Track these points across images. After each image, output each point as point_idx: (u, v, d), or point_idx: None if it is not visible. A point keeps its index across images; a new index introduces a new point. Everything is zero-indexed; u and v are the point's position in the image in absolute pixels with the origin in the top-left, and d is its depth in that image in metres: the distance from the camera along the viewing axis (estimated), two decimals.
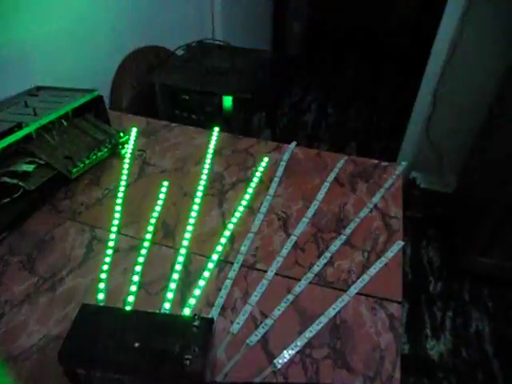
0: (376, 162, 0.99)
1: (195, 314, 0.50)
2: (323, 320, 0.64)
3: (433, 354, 1.50)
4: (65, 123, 0.93)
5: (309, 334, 0.62)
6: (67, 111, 0.93)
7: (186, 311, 0.64)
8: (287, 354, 0.59)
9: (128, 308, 0.64)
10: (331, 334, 0.62)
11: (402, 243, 0.78)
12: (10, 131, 0.78)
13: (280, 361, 0.59)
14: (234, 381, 0.55)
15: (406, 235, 1.98)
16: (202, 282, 0.69)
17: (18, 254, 0.73)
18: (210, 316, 0.63)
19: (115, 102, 1.27)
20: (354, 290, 0.69)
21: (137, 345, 0.46)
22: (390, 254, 0.75)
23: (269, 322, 0.63)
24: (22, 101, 0.92)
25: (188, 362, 0.45)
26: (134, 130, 1.05)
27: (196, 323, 0.49)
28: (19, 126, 0.80)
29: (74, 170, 0.85)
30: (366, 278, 0.71)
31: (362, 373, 0.58)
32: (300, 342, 0.61)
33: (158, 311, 0.63)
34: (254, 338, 0.61)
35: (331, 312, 0.65)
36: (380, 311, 0.66)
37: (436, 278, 1.76)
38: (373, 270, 0.72)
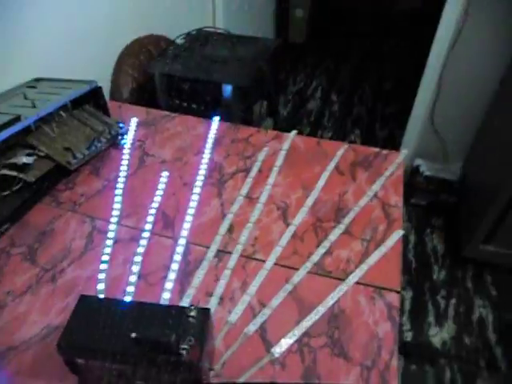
0: (377, 150, 0.98)
1: (191, 305, 0.50)
2: (321, 309, 0.64)
3: (436, 341, 1.50)
4: (64, 115, 0.93)
5: (307, 323, 0.62)
6: (66, 103, 0.93)
7: (185, 301, 0.65)
8: (285, 343, 0.60)
9: (128, 298, 0.64)
10: (329, 323, 0.63)
11: (401, 232, 0.77)
12: (9, 124, 0.78)
13: (278, 350, 0.59)
14: (232, 380, 0.55)
15: (410, 223, 1.97)
16: (201, 272, 0.69)
17: (20, 246, 0.73)
18: (207, 306, 0.64)
19: (115, 94, 1.27)
20: (352, 279, 0.69)
21: (134, 335, 0.46)
22: (389, 243, 0.75)
23: (267, 311, 0.64)
24: (21, 93, 0.92)
25: (184, 351, 0.45)
26: (134, 120, 1.05)
27: (192, 313, 0.50)
28: (18, 119, 0.80)
29: (74, 161, 0.85)
30: (364, 267, 0.71)
31: (360, 362, 0.58)
32: (298, 331, 0.61)
33: (156, 302, 0.64)
34: (252, 327, 0.62)
35: (329, 301, 0.65)
36: (378, 300, 0.66)
37: (440, 265, 1.75)
38: (372, 260, 0.72)
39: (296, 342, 0.60)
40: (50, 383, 0.55)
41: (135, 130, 1.02)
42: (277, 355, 0.58)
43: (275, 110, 1.57)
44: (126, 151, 0.95)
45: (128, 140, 0.99)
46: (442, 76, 1.72)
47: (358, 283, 0.68)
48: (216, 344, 0.59)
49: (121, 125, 1.00)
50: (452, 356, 1.46)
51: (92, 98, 1.00)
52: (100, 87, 0.98)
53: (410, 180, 1.94)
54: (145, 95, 1.31)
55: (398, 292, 0.67)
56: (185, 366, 0.46)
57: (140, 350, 0.46)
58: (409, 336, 1.52)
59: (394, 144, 2.30)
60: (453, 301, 1.61)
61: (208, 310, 0.51)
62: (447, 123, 1.85)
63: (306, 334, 0.61)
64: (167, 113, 1.10)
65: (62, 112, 0.93)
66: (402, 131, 2.08)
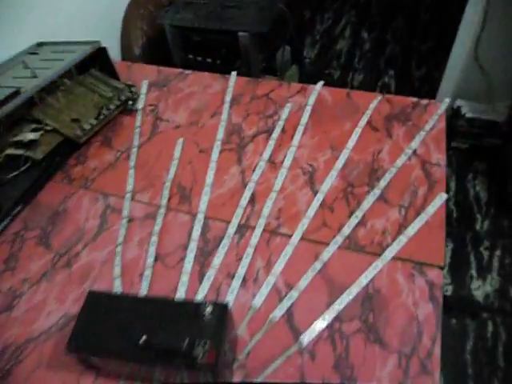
0: (415, 100, 0.86)
1: (206, 302, 0.45)
2: (354, 290, 0.58)
3: (478, 294, 1.43)
4: (68, 82, 0.86)
5: (338, 305, 0.57)
6: (70, 69, 0.86)
7: (205, 285, 0.60)
8: (314, 330, 0.55)
9: (145, 284, 0.61)
10: (363, 305, 0.57)
11: (444, 196, 0.68)
12: (8, 99, 0.72)
13: (306, 337, 0.54)
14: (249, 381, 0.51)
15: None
16: (221, 251, 0.64)
17: (33, 229, 0.70)
18: (229, 289, 0.59)
19: (126, 51, 1.18)
20: (389, 254, 0.61)
21: (144, 338, 0.42)
22: (431, 209, 0.66)
23: (294, 293, 0.58)
24: (21, 61, 0.86)
25: (199, 356, 0.41)
26: (145, 82, 0.97)
27: (208, 311, 0.45)
28: (18, 93, 0.74)
29: (82, 133, 0.80)
30: (403, 239, 0.63)
31: (398, 349, 0.52)
32: (328, 316, 0.56)
33: (168, 298, 0.60)
34: (278, 312, 0.57)
35: (363, 280, 0.59)
36: (419, 278, 0.59)
37: (483, 214, 1.64)
38: (411, 230, 0.64)
39: (326, 327, 0.55)
40: (70, 376, 0.53)
41: (146, 93, 0.95)
42: (305, 343, 0.54)
43: (300, 56, 1.43)
44: (138, 117, 0.89)
45: (139, 105, 0.91)
46: (488, 5, 1.50)
47: (395, 258, 0.61)
48: (239, 332, 0.55)
49: (131, 89, 0.92)
50: (495, 309, 1.40)
51: (98, 61, 0.92)
52: (104, 48, 0.90)
53: (450, 123, 1.78)
54: (158, 51, 1.21)
55: (441, 268, 0.60)
56: (199, 369, 0.42)
57: (150, 354, 0.42)
58: (449, 290, 1.46)
59: (432, 84, 2.10)
60: (497, 252, 1.52)
61: (225, 306, 0.46)
62: (493, 59, 1.64)
63: (337, 318, 0.56)
64: (180, 70, 1.00)
65: (66, 79, 0.86)
66: (441, 69, 1.89)
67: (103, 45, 0.90)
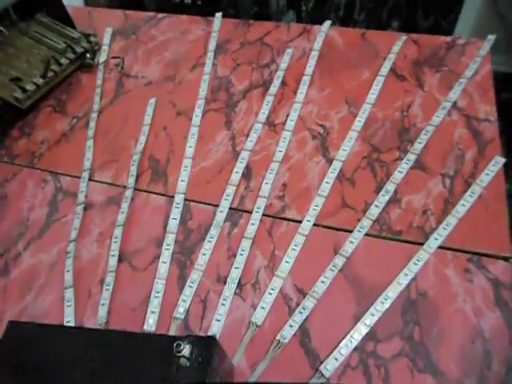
0: (449, 39, 0.68)
1: (179, 341, 0.29)
2: (391, 295, 0.42)
3: None
4: (6, 32, 0.67)
5: (370, 318, 0.41)
6: (7, 11, 0.67)
7: (187, 294, 0.44)
8: (339, 355, 0.39)
9: (104, 300, 0.44)
10: (405, 316, 0.41)
11: (502, 160, 0.52)
12: None
13: (329, 366, 0.39)
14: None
15: None
16: (207, 246, 0.48)
17: None
18: (220, 298, 0.43)
19: None
20: (434, 242, 0.45)
21: None
22: (485, 177, 0.50)
23: (308, 303, 0.42)
24: None
25: None
26: (108, 30, 0.77)
27: (184, 353, 0.29)
28: None
29: (25, 96, 0.62)
30: (451, 220, 0.47)
31: (458, 380, 0.37)
32: (357, 333, 0.40)
33: (127, 331, 0.44)
34: (288, 330, 0.41)
35: (402, 279, 0.43)
36: (478, 274, 0.43)
37: None
38: (461, 208, 0.48)
39: (356, 350, 0.39)
40: None
41: (110, 44, 0.76)
42: (328, 374, 0.38)
43: (298, 1, 1.23)
44: (99, 74, 0.70)
45: (101, 58, 0.73)
46: None
47: (443, 248, 0.45)
48: (236, 361, 0.40)
49: (91, 38, 0.73)
50: None
51: (47, 4, 0.73)
52: None
53: None
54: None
55: (506, 259, 0.44)
56: None
57: None
58: None
59: (442, 35, 1.89)
60: None
61: (212, 340, 0.30)
62: None
63: (369, 336, 0.40)
64: (152, 14, 0.81)
65: (2, 28, 0.67)
66: (454, 19, 1.68)
67: None
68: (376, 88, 0.61)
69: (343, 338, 0.40)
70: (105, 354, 0.30)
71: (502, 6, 1.51)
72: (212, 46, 0.72)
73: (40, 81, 0.64)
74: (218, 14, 0.77)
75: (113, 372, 0.29)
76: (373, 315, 0.41)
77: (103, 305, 0.44)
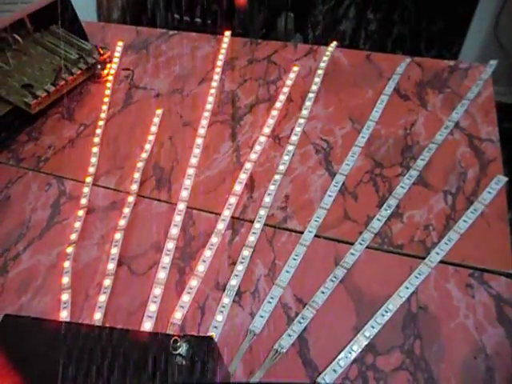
0: (451, 63, 0.70)
1: (176, 338, 0.28)
2: (392, 307, 0.42)
3: None
4: (21, 40, 0.69)
5: (370, 330, 0.40)
6: (23, 22, 0.69)
7: (185, 301, 0.44)
8: (338, 366, 0.38)
9: (102, 298, 0.44)
10: (405, 329, 0.41)
11: (504, 179, 0.52)
12: None
13: (327, 377, 0.38)
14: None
15: None
16: (208, 253, 0.48)
17: None
18: (219, 305, 0.43)
19: (103, 12, 1.00)
20: (436, 256, 0.45)
21: None
22: (487, 196, 0.50)
23: (308, 313, 0.42)
24: None
25: None
26: (120, 44, 0.79)
27: (181, 350, 0.28)
28: None
29: (35, 101, 0.63)
30: (453, 236, 0.47)
31: None
32: (357, 345, 0.40)
33: (123, 329, 0.43)
34: (287, 340, 0.40)
35: (403, 293, 0.43)
36: (480, 290, 0.42)
37: None
38: (463, 224, 0.47)
39: (355, 362, 0.39)
40: None
41: (121, 56, 0.77)
42: None
43: (305, 24, 1.26)
44: (109, 84, 0.71)
45: (111, 70, 0.74)
46: None
47: (444, 262, 0.45)
48: (232, 369, 0.39)
49: (103, 51, 0.75)
50: None
51: (62, 16, 0.75)
52: None
53: None
54: (140, 14, 1.03)
55: (508, 276, 0.43)
56: None
57: None
58: None
59: None
60: None
61: (209, 338, 0.30)
62: None
63: (369, 348, 0.39)
64: (163, 31, 0.83)
65: (18, 36, 0.69)
66: (456, 51, 1.73)
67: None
68: (380, 106, 0.63)
69: (342, 350, 0.39)
70: (101, 351, 0.30)
71: (503, 39, 1.55)
72: (220, 62, 0.74)
73: (51, 88, 0.65)
74: (228, 33, 0.79)
75: (109, 369, 0.29)
76: (373, 327, 0.41)
77: (100, 307, 0.44)
